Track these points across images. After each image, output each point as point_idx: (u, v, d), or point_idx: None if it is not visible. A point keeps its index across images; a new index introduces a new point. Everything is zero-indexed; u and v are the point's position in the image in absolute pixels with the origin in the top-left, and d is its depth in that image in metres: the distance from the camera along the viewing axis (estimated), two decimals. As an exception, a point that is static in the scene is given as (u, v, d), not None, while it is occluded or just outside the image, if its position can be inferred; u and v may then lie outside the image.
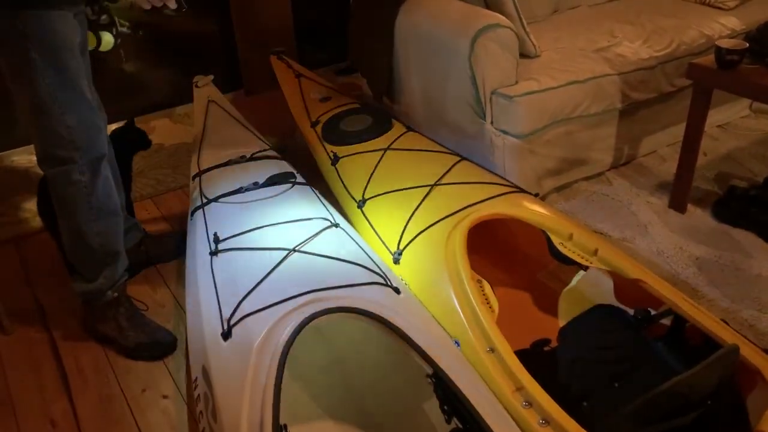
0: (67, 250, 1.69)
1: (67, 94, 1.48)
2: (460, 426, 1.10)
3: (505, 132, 2.08)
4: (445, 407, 1.12)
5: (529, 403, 1.15)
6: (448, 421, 1.13)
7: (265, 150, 2.01)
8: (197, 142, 2.10)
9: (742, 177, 2.35)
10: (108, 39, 1.74)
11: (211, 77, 2.42)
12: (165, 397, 1.61)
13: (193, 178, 1.92)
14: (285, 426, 1.04)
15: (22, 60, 1.43)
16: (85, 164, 1.56)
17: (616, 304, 1.56)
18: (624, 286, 1.53)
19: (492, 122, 2.10)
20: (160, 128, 3.03)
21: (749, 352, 1.17)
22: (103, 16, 1.72)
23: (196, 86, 2.39)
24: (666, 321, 1.43)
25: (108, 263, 1.70)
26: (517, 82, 2.09)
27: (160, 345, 1.75)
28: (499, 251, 1.89)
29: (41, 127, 1.50)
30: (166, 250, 2.10)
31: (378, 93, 2.53)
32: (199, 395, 1.25)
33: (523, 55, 2.21)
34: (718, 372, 1.09)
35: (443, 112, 2.26)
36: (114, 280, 1.72)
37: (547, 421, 1.11)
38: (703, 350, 1.21)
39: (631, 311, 1.52)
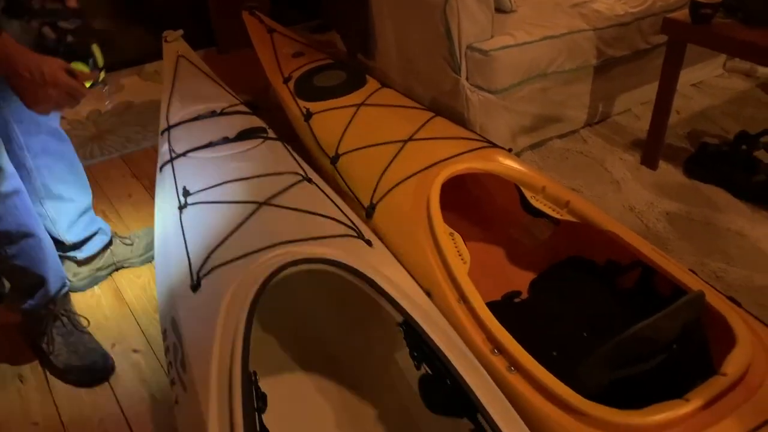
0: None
1: None
2: (430, 372, 1.10)
3: (479, 87, 2.07)
4: (415, 354, 1.13)
5: (499, 351, 1.15)
6: (418, 368, 1.14)
7: (235, 105, 1.97)
8: (166, 97, 2.04)
9: (715, 135, 2.37)
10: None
11: (181, 32, 2.35)
12: (135, 351, 1.60)
13: (162, 133, 1.87)
14: (254, 373, 1.04)
15: None
16: None
17: (587, 256, 1.58)
18: (595, 238, 1.54)
19: (467, 78, 2.08)
20: (129, 86, 2.96)
21: (715, 300, 1.19)
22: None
23: (166, 41, 2.33)
24: (636, 272, 1.45)
25: (39, 283, 1.59)
26: (492, 37, 2.07)
27: (91, 371, 1.59)
28: (472, 207, 1.89)
29: None
30: (134, 254, 1.97)
31: (353, 49, 2.49)
32: (168, 346, 1.24)
33: (499, 9, 2.18)
34: (683, 317, 1.10)
35: (418, 67, 2.23)
36: (48, 299, 1.62)
37: (515, 367, 1.12)
38: (672, 300, 1.22)
39: (601, 263, 1.53)
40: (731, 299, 1.22)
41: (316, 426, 1.31)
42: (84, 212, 1.81)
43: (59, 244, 1.75)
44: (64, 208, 1.74)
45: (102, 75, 1.42)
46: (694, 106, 2.56)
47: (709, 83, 2.73)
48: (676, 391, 1.02)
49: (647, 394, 1.04)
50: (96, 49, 1.42)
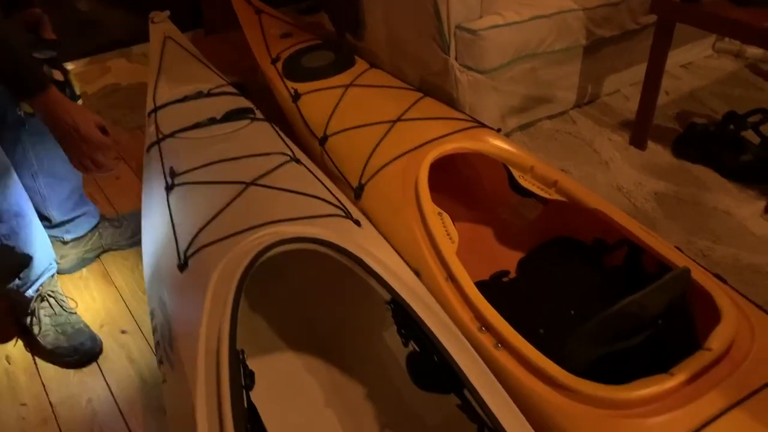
0: None
1: None
2: (417, 349, 1.11)
3: (469, 67, 2.06)
4: (403, 331, 1.13)
5: (486, 328, 1.16)
6: (406, 345, 1.14)
7: (223, 86, 1.96)
8: (153, 78, 2.03)
9: (703, 115, 2.37)
10: None
11: (168, 13, 2.33)
12: (123, 332, 1.60)
13: (149, 114, 1.86)
14: (242, 351, 1.04)
15: None
16: None
17: (575, 235, 1.58)
18: (582, 217, 1.55)
19: (456, 57, 2.07)
20: (116, 68, 2.93)
21: (701, 277, 1.20)
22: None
23: (152, 22, 2.30)
24: (623, 251, 1.46)
25: (24, 264, 1.58)
26: (481, 17, 2.06)
27: (78, 353, 1.58)
28: (460, 187, 1.89)
29: None
30: (122, 236, 1.97)
31: (341, 29, 2.47)
32: (156, 326, 1.24)
33: (488, -11, 2.17)
34: (669, 293, 1.11)
35: (407, 48, 2.22)
36: (32, 280, 1.62)
37: (502, 344, 1.13)
38: (658, 278, 1.23)
39: (588, 242, 1.54)
40: (717, 276, 1.23)
41: (305, 403, 1.31)
42: (74, 191, 1.81)
43: (46, 220, 1.75)
44: (55, 184, 1.73)
45: (80, 103, 1.46)
46: (683, 86, 2.57)
47: (698, 64, 2.73)
48: (662, 365, 1.03)
49: (633, 370, 1.04)
50: (73, 79, 1.47)
